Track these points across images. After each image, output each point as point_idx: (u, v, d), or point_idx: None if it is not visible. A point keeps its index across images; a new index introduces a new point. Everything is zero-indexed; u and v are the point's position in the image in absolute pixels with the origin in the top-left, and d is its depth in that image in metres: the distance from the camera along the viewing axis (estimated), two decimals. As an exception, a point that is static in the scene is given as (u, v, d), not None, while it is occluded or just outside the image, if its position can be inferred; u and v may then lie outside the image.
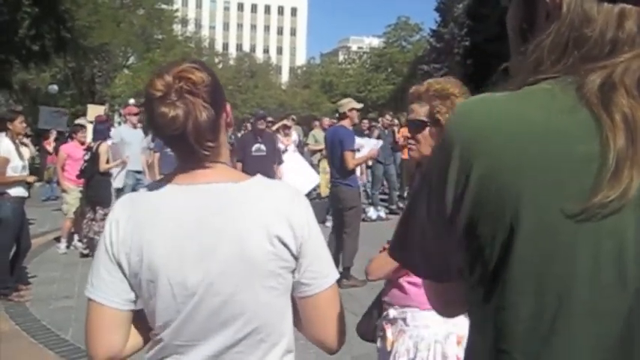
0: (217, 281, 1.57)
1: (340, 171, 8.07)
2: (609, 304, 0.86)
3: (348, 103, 8.23)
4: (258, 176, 1.68)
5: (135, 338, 1.71)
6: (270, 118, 13.22)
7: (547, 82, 0.95)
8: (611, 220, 0.84)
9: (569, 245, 0.86)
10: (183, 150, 1.62)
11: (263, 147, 9.76)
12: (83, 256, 9.44)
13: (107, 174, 9.65)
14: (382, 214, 13.50)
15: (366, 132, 14.54)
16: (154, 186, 1.68)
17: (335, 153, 8.07)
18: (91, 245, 9.21)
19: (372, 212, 13.40)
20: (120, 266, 1.62)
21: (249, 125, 18.09)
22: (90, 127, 11.13)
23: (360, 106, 8.42)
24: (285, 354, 1.69)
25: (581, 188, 0.86)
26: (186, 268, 1.57)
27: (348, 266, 7.99)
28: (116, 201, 1.71)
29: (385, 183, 14.80)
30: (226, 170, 1.68)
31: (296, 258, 1.62)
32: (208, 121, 1.57)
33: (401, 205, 14.40)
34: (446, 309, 1.26)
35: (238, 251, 1.56)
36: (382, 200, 14.62)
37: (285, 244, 1.58)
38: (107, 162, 9.49)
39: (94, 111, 13.41)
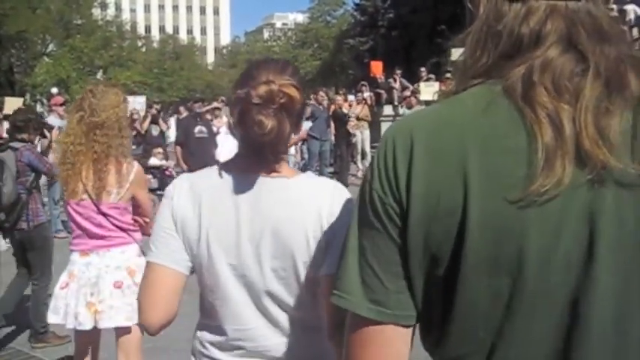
0: (267, 265, 1.68)
1: None
2: (556, 280, 0.93)
3: None
4: (310, 173, 1.84)
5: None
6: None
7: (474, 87, 1.02)
8: (550, 205, 0.92)
9: (516, 229, 0.93)
10: (254, 149, 1.68)
11: (204, 129, 9.67)
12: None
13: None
14: (317, 190, 13.55)
15: (298, 109, 14.52)
16: (214, 171, 1.76)
17: None
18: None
19: (307, 189, 13.42)
20: (182, 235, 1.72)
21: (181, 109, 17.83)
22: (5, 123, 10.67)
23: None
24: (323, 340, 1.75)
25: (519, 176, 0.92)
26: (241, 252, 1.69)
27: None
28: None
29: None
30: (281, 166, 1.75)
31: (329, 246, 1.67)
32: (289, 137, 1.69)
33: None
34: None
35: (283, 241, 1.67)
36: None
37: (324, 234, 1.67)
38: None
39: (12, 104, 12.64)
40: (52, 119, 11.07)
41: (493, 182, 0.93)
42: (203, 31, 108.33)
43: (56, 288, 3.71)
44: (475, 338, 0.98)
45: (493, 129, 0.96)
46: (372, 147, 15.14)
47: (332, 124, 14.51)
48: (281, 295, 1.71)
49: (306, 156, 14.37)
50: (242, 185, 1.71)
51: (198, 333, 1.83)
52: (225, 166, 1.76)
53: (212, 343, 1.79)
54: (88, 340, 3.75)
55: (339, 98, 15.31)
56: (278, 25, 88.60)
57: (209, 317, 1.80)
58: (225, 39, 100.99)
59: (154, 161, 13.10)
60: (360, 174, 14.97)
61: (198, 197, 1.72)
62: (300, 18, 70.35)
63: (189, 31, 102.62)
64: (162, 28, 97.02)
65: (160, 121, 14.99)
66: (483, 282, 0.95)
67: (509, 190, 0.92)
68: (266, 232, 1.68)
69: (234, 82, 1.75)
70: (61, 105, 10.96)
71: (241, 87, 1.66)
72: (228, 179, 1.72)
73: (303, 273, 1.69)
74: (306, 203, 1.69)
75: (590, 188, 0.92)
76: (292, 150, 13.12)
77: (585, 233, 0.92)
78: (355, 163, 15.53)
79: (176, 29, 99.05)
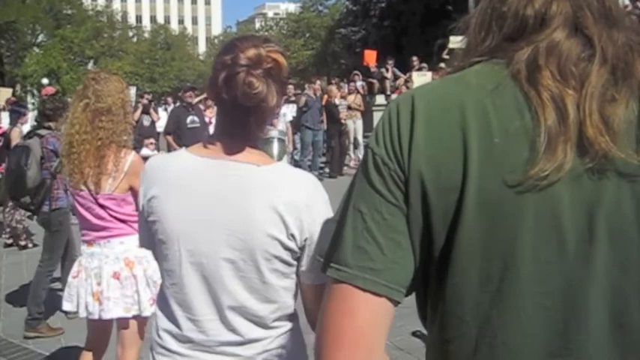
0: (224, 255, 1.63)
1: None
2: (550, 267, 0.92)
3: None
4: (284, 162, 1.74)
5: None
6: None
7: (478, 65, 1.00)
8: (549, 191, 0.90)
9: (512, 213, 0.92)
10: (236, 123, 1.66)
11: (196, 119, 9.63)
12: (7, 245, 9.12)
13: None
14: (310, 180, 13.53)
15: (292, 99, 14.49)
16: (184, 154, 1.74)
17: None
18: (15, 234, 8.93)
19: (300, 179, 13.39)
20: (149, 217, 1.72)
21: (169, 99, 17.75)
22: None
23: None
24: (287, 336, 1.72)
25: (520, 160, 0.91)
26: (197, 239, 1.64)
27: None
28: None
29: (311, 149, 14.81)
30: (255, 152, 1.70)
31: (302, 248, 1.64)
32: (275, 107, 1.65)
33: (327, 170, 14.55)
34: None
35: (244, 232, 1.61)
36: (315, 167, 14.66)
37: (290, 234, 1.61)
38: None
39: (1, 94, 12.63)
40: (42, 110, 10.98)
41: (493, 163, 0.92)
42: (194, 20, 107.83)
43: (70, 277, 3.72)
44: (460, 323, 0.97)
45: (497, 110, 0.94)
46: (364, 136, 15.11)
47: (324, 115, 14.47)
48: (237, 290, 1.65)
49: (298, 146, 14.32)
50: (207, 169, 1.66)
51: (156, 320, 1.80)
52: (197, 149, 1.73)
53: (166, 331, 1.74)
54: (100, 328, 3.73)
55: (333, 89, 15.23)
56: (270, 14, 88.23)
57: (165, 303, 1.75)
58: (217, 29, 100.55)
59: (145, 152, 13.01)
60: (352, 163, 14.96)
61: (166, 179, 1.69)
62: (292, 7, 70.06)
63: (181, 21, 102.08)
64: (153, 18, 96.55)
65: (152, 111, 14.92)
66: (475, 264, 0.94)
67: (509, 172, 0.91)
68: (224, 220, 1.62)
69: (216, 56, 1.69)
70: (52, 95, 10.86)
71: (226, 55, 1.62)
72: (195, 162, 1.68)
73: (266, 271, 1.63)
74: (273, 195, 1.62)
75: (591, 177, 0.91)
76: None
77: (583, 222, 0.91)
78: (348, 153, 15.51)
79: (167, 19, 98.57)
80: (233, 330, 1.67)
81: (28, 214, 9.84)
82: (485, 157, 0.92)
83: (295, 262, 1.67)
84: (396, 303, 0.98)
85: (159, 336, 1.76)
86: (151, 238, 1.74)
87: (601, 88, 0.92)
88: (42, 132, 5.45)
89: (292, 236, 1.61)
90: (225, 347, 1.68)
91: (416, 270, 0.99)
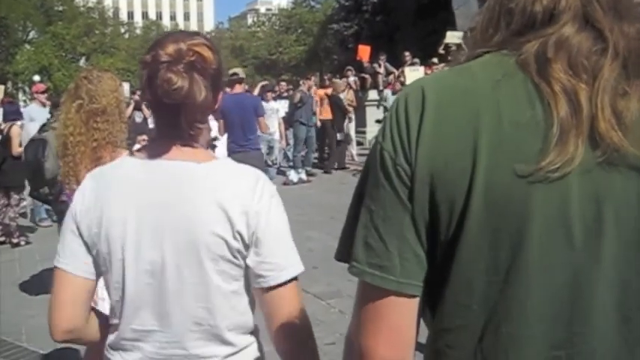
0: (169, 261, 1.55)
1: (253, 136, 8.31)
2: (557, 258, 0.93)
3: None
4: (226, 159, 1.66)
5: (95, 326, 1.72)
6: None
7: (485, 55, 1.00)
8: (559, 183, 0.90)
9: (522, 204, 0.92)
10: (168, 123, 1.58)
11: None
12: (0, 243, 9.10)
13: (20, 157, 9.27)
14: (303, 176, 13.55)
15: (285, 94, 14.46)
16: (126, 159, 1.66)
17: (247, 118, 8.17)
18: (7, 232, 8.90)
19: (292, 175, 13.43)
20: (82, 236, 1.61)
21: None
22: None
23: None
24: (245, 345, 1.65)
25: (531, 151, 0.92)
26: (141, 246, 1.56)
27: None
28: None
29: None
30: (197, 151, 1.62)
31: (247, 246, 1.56)
32: (204, 103, 1.55)
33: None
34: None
35: (189, 232, 1.54)
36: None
37: (237, 231, 1.54)
38: (20, 145, 9.12)
39: None
40: (33, 107, 10.96)
41: (504, 154, 0.92)
42: (186, 16, 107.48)
43: None
44: (469, 311, 0.98)
45: (508, 101, 0.94)
46: (357, 132, 15.11)
47: (317, 110, 14.46)
48: (185, 298, 1.56)
49: (291, 142, 14.30)
50: (147, 173, 1.58)
51: (108, 335, 1.70)
52: (137, 154, 1.67)
53: (115, 345, 1.66)
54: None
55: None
56: (262, 10, 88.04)
57: (113, 315, 1.66)
58: (209, 25, 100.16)
59: (138, 148, 13.00)
60: (346, 160, 14.97)
61: (106, 189, 1.60)
62: (284, 3, 69.93)
63: (173, 17, 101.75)
64: (145, 14, 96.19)
65: (144, 108, 14.87)
66: (483, 254, 0.95)
67: (519, 163, 0.91)
68: (168, 223, 1.54)
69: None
70: (43, 93, 10.83)
71: (147, 54, 1.55)
72: (135, 167, 1.60)
73: (213, 273, 1.55)
74: (216, 191, 1.55)
75: (601, 170, 0.91)
76: (277, 135, 13.03)
77: (591, 215, 0.92)
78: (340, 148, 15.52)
79: (159, 15, 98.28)
80: (179, 343, 1.59)
81: (22, 211, 9.87)
82: (495, 147, 0.92)
83: (243, 263, 1.58)
84: (411, 296, 1.00)
85: (107, 349, 1.69)
86: (76, 261, 1.62)
87: (613, 82, 0.92)
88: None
89: (239, 233, 1.54)
90: None
91: (427, 260, 1.00)
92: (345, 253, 1.06)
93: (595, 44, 0.95)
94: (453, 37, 9.98)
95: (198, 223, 1.53)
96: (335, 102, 14.50)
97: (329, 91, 14.82)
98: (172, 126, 1.57)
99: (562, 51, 0.94)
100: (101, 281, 1.67)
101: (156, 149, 1.61)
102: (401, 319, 1.01)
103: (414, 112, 0.98)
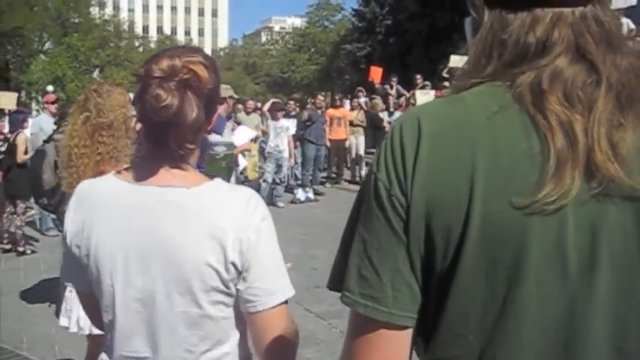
0: (160, 289, 1.51)
1: None
2: (553, 289, 0.92)
3: (226, 90, 8.28)
4: (217, 181, 1.59)
5: None
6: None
7: (479, 86, 1.00)
8: (555, 215, 0.90)
9: (518, 235, 0.92)
10: (157, 142, 1.52)
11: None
12: (5, 251, 9.11)
13: (25, 166, 9.31)
14: (311, 195, 13.55)
15: (293, 114, 14.50)
16: (112, 179, 1.60)
17: None
18: (14, 240, 8.92)
19: (300, 194, 13.43)
20: (76, 256, 1.60)
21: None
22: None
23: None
24: None
25: (527, 182, 0.91)
26: (130, 274, 1.52)
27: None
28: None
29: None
30: (187, 174, 1.57)
31: (240, 272, 1.52)
32: (196, 123, 1.49)
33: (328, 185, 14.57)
34: None
35: (179, 263, 1.49)
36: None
37: (230, 262, 1.50)
38: (25, 153, 9.16)
39: (7, 99, 12.40)
40: (43, 117, 10.99)
41: (500, 185, 0.92)
42: (201, 32, 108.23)
43: (66, 291, 3.64)
44: (464, 342, 0.97)
45: (504, 132, 0.94)
46: (366, 153, 15.12)
47: (327, 130, 14.50)
48: (176, 326, 1.52)
49: (299, 160, 14.31)
50: (134, 197, 1.53)
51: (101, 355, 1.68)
52: (125, 173, 1.60)
53: None
54: (96, 342, 3.68)
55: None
56: (276, 28, 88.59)
57: (105, 336, 1.65)
58: (223, 41, 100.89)
59: (125, 167, 12.98)
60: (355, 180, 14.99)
61: (93, 207, 1.56)
62: (298, 22, 70.35)
63: (187, 33, 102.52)
64: (159, 29, 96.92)
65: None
66: (479, 284, 0.94)
67: (515, 195, 0.91)
68: (157, 252, 1.49)
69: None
70: (53, 103, 10.86)
71: (141, 68, 1.50)
72: (121, 190, 1.55)
73: (207, 304, 1.51)
74: (207, 218, 1.49)
75: (596, 201, 0.91)
76: (285, 154, 13.04)
77: (587, 246, 0.91)
78: (349, 168, 15.54)
79: (174, 30, 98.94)
80: None
81: (29, 219, 9.91)
82: (492, 178, 0.92)
83: (234, 290, 1.54)
84: (403, 328, 0.99)
85: None
86: (79, 269, 1.62)
87: (608, 113, 0.92)
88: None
89: (233, 264, 1.50)
90: None
91: (420, 292, 0.99)
92: (337, 282, 1.05)
93: (589, 76, 0.95)
94: (456, 62, 10.01)
95: (189, 253, 1.48)
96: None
97: (340, 111, 14.90)
98: (161, 145, 1.51)
99: (557, 83, 0.94)
100: None
101: (143, 171, 1.56)
102: (392, 351, 1.00)
103: (410, 143, 0.97)
